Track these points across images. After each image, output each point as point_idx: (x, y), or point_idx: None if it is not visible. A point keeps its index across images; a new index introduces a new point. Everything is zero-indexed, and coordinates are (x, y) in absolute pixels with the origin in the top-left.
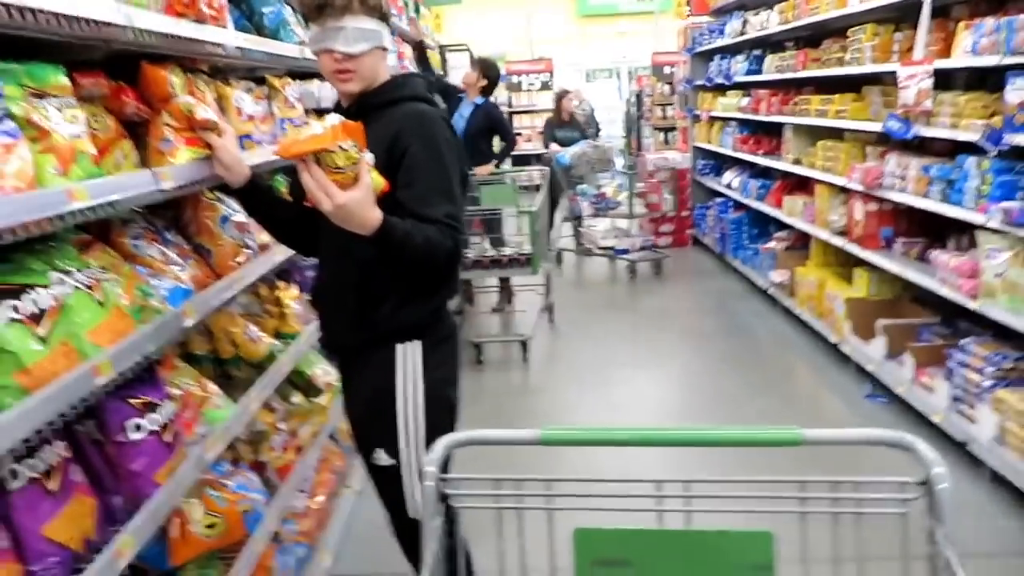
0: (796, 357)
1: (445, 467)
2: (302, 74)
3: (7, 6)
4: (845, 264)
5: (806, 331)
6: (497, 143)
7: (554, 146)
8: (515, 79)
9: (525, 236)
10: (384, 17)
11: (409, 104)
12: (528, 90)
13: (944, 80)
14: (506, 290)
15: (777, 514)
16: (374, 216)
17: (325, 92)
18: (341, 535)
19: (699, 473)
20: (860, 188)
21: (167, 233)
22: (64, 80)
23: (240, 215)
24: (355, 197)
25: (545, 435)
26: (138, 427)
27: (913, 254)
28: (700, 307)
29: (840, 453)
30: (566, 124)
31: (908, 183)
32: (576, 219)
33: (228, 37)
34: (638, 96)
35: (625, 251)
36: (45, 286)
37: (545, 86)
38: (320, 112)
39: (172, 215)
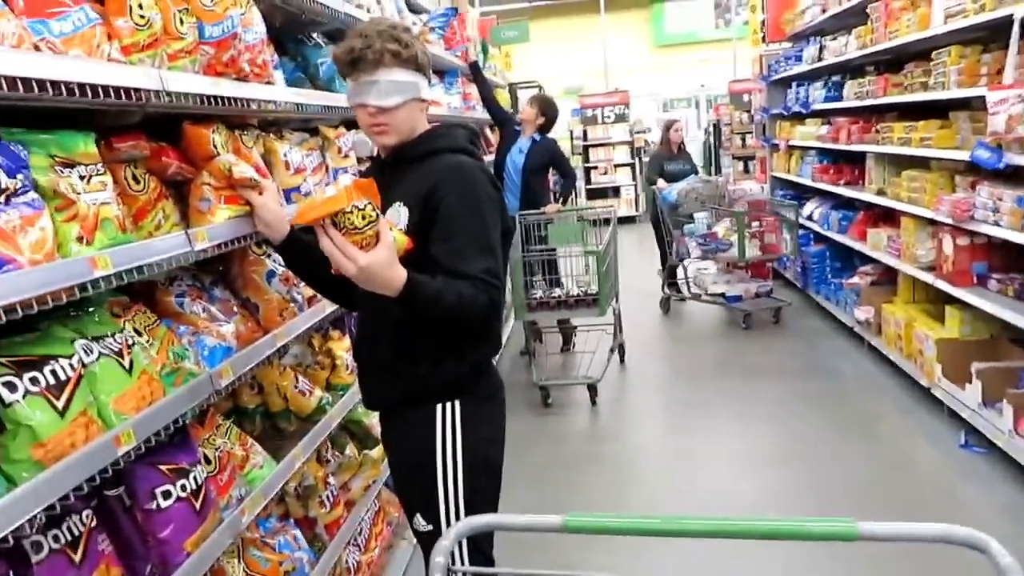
0: (884, 400)
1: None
2: (355, 124)
3: (35, 80)
4: (935, 301)
5: (895, 372)
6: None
7: (661, 182)
8: (589, 112)
9: (593, 275)
10: (420, 68)
11: (448, 156)
12: (604, 123)
13: None
14: (564, 332)
15: None
16: (399, 275)
17: None
18: None
19: (751, 560)
20: (949, 221)
21: (214, 289)
22: (92, 148)
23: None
24: (377, 258)
25: (569, 523)
26: (167, 494)
27: (1010, 292)
28: (782, 345)
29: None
30: (675, 157)
31: (1002, 215)
32: (682, 261)
33: (271, 92)
34: (715, 125)
35: (738, 298)
36: (68, 356)
37: (620, 118)
38: (373, 161)
39: (220, 269)
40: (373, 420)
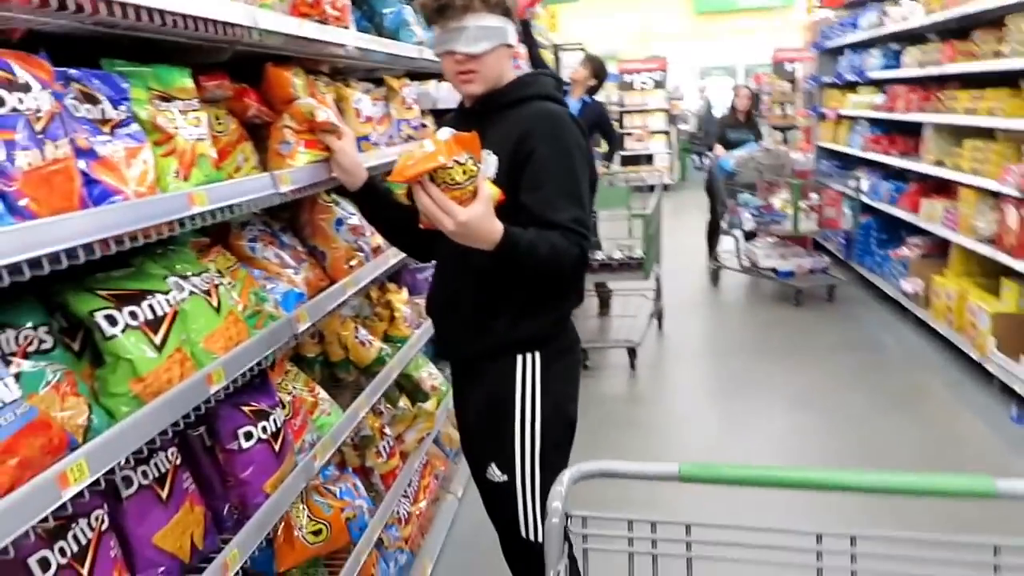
0: (931, 373)
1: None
2: (420, 75)
3: (135, 7)
4: (989, 274)
5: (942, 345)
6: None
7: (718, 148)
8: (627, 78)
9: (637, 240)
10: (507, 12)
11: (538, 103)
12: (641, 89)
13: None
14: (601, 296)
15: None
16: (496, 229)
17: (442, 93)
18: (443, 542)
19: (859, 524)
20: (1015, 192)
21: (283, 235)
22: (189, 83)
23: (355, 218)
24: (476, 212)
25: (685, 471)
26: (249, 435)
27: None
28: (824, 316)
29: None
30: (740, 125)
31: None
32: (737, 232)
33: (350, 38)
34: (756, 95)
35: (790, 274)
36: (164, 292)
37: (659, 84)
38: (437, 113)
39: (288, 216)
40: (423, 374)
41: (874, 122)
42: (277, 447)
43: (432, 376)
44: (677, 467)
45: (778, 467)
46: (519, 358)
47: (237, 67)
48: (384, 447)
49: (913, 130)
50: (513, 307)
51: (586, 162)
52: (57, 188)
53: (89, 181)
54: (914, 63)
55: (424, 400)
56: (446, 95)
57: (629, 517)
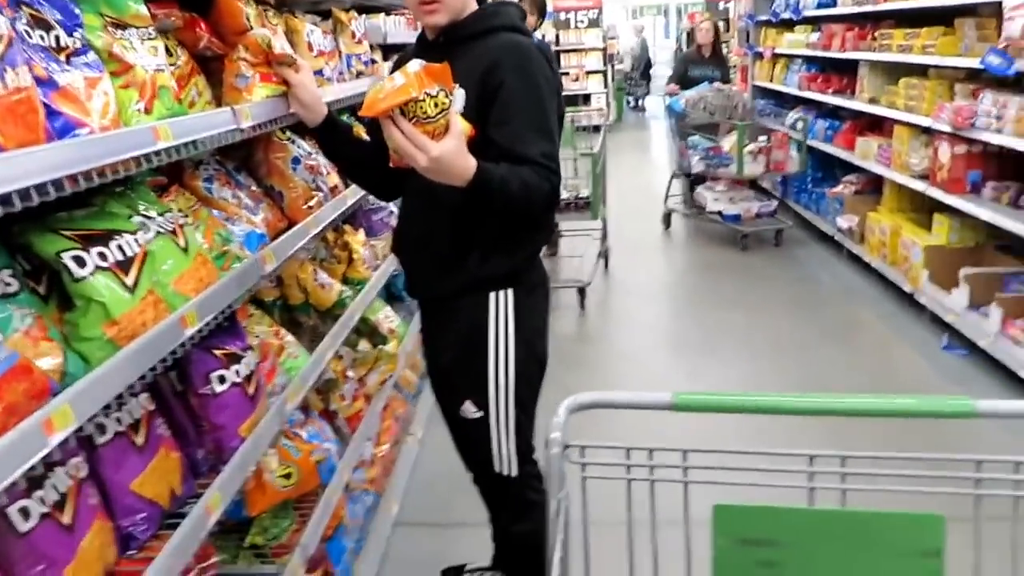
0: (865, 306)
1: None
2: (369, 8)
3: None
4: (921, 210)
5: (876, 280)
6: None
7: (672, 87)
8: (563, 16)
9: (582, 179)
10: None
11: (504, 34)
12: (576, 28)
13: None
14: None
15: (942, 498)
16: (470, 165)
17: (392, 27)
18: (406, 483)
19: (848, 448)
20: (947, 129)
21: (238, 175)
22: (143, 9)
23: (312, 158)
24: (449, 147)
25: (679, 400)
26: (222, 379)
27: (1005, 199)
28: (760, 253)
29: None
30: (704, 61)
31: (1006, 123)
32: (687, 176)
33: None
34: (689, 33)
35: (736, 217)
36: (132, 232)
37: (593, 23)
38: (386, 48)
39: (242, 156)
40: (379, 316)
41: (810, 60)
42: (251, 390)
43: (389, 319)
44: (671, 396)
45: (770, 394)
46: (492, 295)
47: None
48: (348, 390)
49: (849, 68)
50: (485, 243)
51: (554, 95)
52: (21, 119)
53: (51, 112)
54: (850, 1)
55: (384, 343)
56: (397, 29)
57: (627, 446)
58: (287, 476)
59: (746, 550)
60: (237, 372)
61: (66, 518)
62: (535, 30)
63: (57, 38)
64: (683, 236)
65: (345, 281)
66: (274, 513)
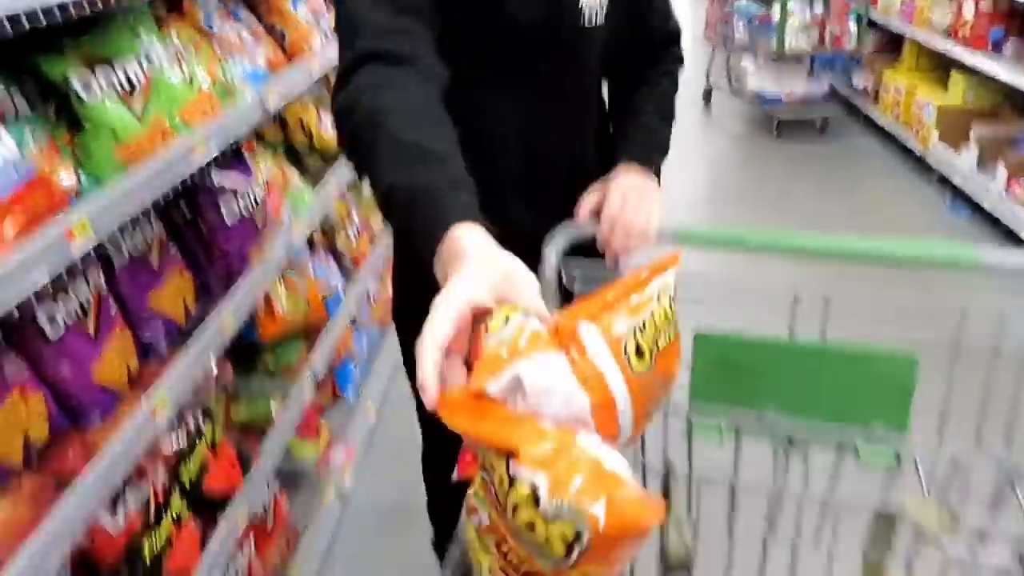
0: (872, 165)
1: None
2: None
3: None
4: (938, 68)
5: (888, 141)
6: None
7: None
8: None
9: None
10: None
11: None
12: None
13: None
14: None
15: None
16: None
17: None
18: None
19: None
20: None
21: (239, 11)
22: None
23: None
24: None
25: (682, 233)
26: (231, 208)
27: None
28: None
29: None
30: None
31: None
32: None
33: None
34: None
35: (777, 100)
36: (136, 59)
37: None
38: None
39: None
40: None
41: None
42: (258, 219)
43: None
44: (675, 230)
45: (762, 231)
46: None
47: None
48: (352, 231)
49: None
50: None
51: None
52: None
53: None
54: None
55: None
56: None
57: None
58: (295, 308)
59: (725, 374)
60: (245, 201)
61: (90, 327)
62: None
63: None
64: (724, 117)
65: None
66: (285, 341)
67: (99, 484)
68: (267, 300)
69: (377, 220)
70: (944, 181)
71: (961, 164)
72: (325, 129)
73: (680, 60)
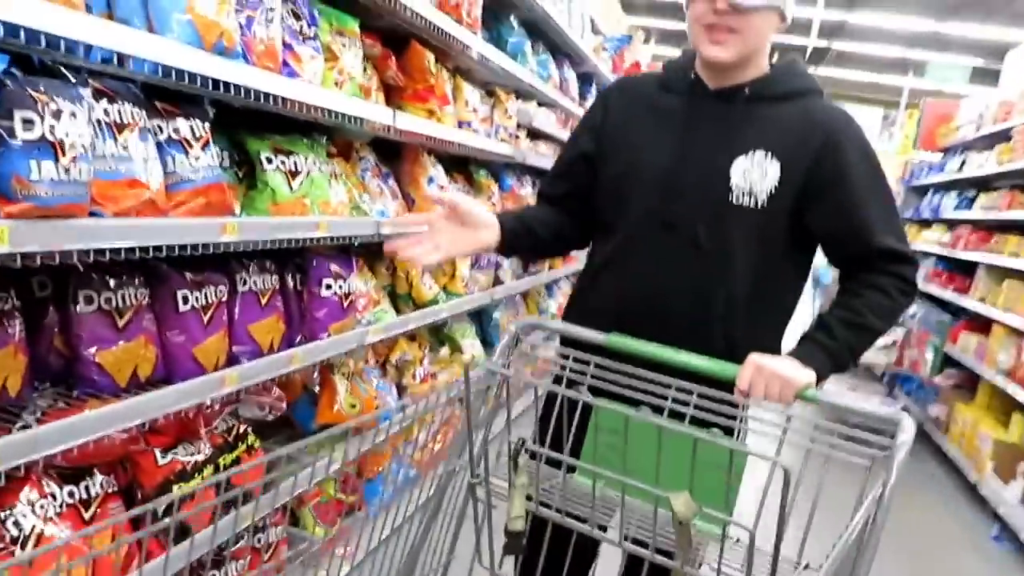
0: (930, 487)
1: None
2: (524, 95)
3: None
4: (1011, 410)
5: (951, 469)
6: None
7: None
8: None
9: None
10: None
11: (820, 101)
12: None
13: None
14: None
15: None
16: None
17: (540, 116)
18: None
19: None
20: None
21: (388, 179)
22: (356, 28)
23: (443, 179)
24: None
25: (612, 341)
26: (328, 287)
27: None
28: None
29: None
30: None
31: None
32: None
33: (477, 43)
34: None
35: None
36: (304, 158)
37: None
38: (531, 133)
39: (393, 167)
40: (466, 341)
41: (939, 258)
42: (345, 304)
43: (473, 347)
44: (605, 337)
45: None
46: None
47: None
48: (420, 373)
49: (971, 269)
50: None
51: None
52: (267, 54)
53: (284, 62)
54: (981, 208)
55: (462, 354)
56: (545, 119)
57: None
58: (352, 406)
59: (604, 437)
60: (340, 286)
61: (207, 317)
62: None
63: (301, 27)
64: None
65: (443, 290)
66: (332, 438)
67: (169, 399)
68: (331, 390)
69: (443, 375)
70: (994, 512)
71: (1008, 496)
72: (424, 285)
73: (899, 278)
